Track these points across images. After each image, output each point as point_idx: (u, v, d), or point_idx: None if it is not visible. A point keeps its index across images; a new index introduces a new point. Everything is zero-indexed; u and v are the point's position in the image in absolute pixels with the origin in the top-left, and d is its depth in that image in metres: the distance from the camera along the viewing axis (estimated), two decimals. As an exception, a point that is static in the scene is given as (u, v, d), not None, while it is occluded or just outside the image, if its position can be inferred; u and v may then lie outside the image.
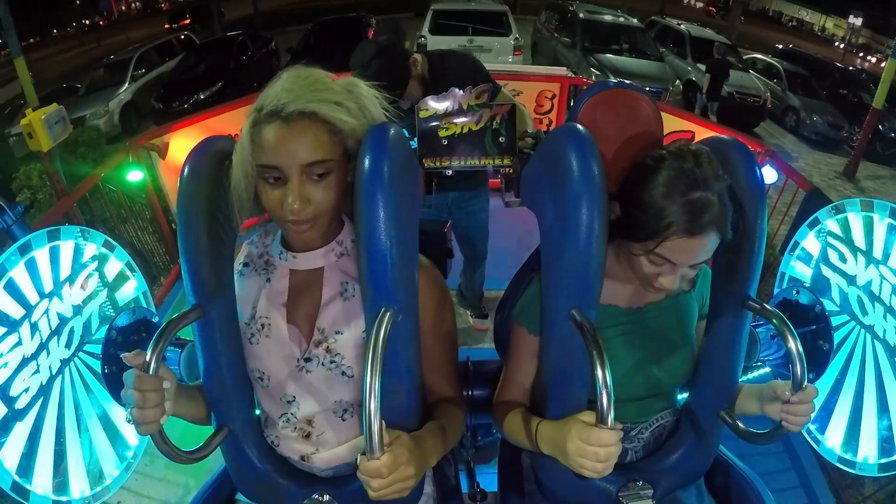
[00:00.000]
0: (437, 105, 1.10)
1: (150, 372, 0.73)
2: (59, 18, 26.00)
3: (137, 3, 31.89)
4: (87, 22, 26.94)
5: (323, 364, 0.88)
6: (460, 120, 1.11)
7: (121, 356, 0.76)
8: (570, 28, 9.45)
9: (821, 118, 9.43)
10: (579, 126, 0.84)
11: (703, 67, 9.22)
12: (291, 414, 0.90)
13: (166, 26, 18.10)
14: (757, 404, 0.92)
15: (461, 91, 1.10)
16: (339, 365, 0.87)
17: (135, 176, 2.81)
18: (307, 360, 0.88)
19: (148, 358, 0.73)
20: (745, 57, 11.45)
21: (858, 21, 27.83)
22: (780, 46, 14.89)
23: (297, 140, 0.78)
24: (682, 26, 11.57)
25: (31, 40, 22.30)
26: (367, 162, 0.76)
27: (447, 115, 1.10)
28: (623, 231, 0.88)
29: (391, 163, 0.76)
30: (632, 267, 0.90)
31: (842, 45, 27.80)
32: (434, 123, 1.11)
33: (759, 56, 11.99)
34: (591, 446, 0.74)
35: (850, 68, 15.39)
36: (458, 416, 0.93)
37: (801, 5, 31.82)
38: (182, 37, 11.59)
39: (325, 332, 0.88)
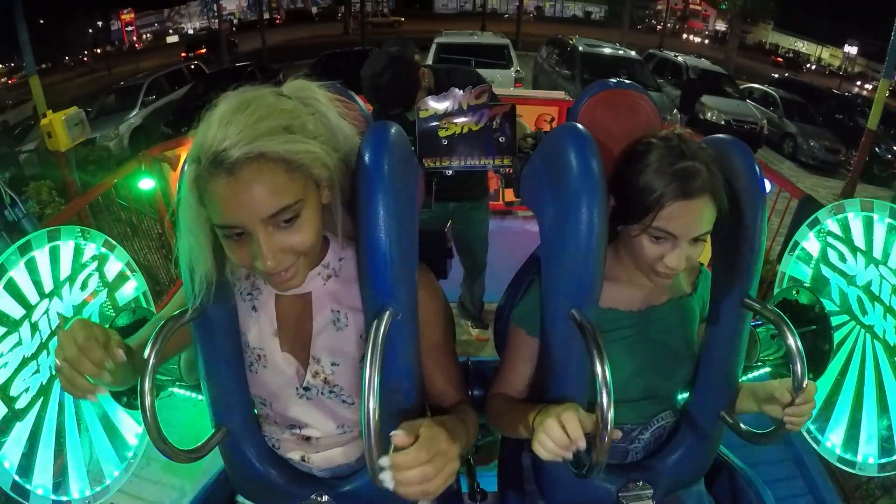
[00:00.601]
0: (437, 105, 1.10)
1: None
2: (71, 46, 26.70)
3: (148, 35, 32.78)
4: (99, 50, 27.64)
5: (322, 393, 0.87)
6: (460, 120, 1.11)
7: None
8: (570, 61, 9.60)
9: (818, 143, 9.54)
10: (579, 125, 0.86)
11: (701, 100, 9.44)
12: (298, 429, 0.90)
13: (182, 55, 18.95)
14: (755, 403, 0.91)
15: (461, 91, 1.12)
16: (339, 395, 0.86)
17: (146, 184, 2.85)
18: (306, 388, 0.87)
19: (147, 353, 0.74)
20: (742, 86, 11.66)
21: (854, 50, 28.34)
22: (776, 76, 15.18)
23: (250, 193, 0.66)
24: (679, 58, 11.82)
25: (44, 66, 22.81)
26: (367, 161, 0.76)
27: (447, 115, 1.11)
28: (620, 218, 0.88)
29: (391, 161, 0.76)
30: (634, 256, 0.89)
31: (831, 70, 28.30)
32: (434, 123, 1.11)
33: (756, 85, 12.21)
34: (557, 422, 0.70)
35: (846, 94, 15.63)
36: (472, 415, 0.91)
37: (797, 37, 32.43)
38: (192, 66, 11.92)
39: (320, 362, 0.85)
